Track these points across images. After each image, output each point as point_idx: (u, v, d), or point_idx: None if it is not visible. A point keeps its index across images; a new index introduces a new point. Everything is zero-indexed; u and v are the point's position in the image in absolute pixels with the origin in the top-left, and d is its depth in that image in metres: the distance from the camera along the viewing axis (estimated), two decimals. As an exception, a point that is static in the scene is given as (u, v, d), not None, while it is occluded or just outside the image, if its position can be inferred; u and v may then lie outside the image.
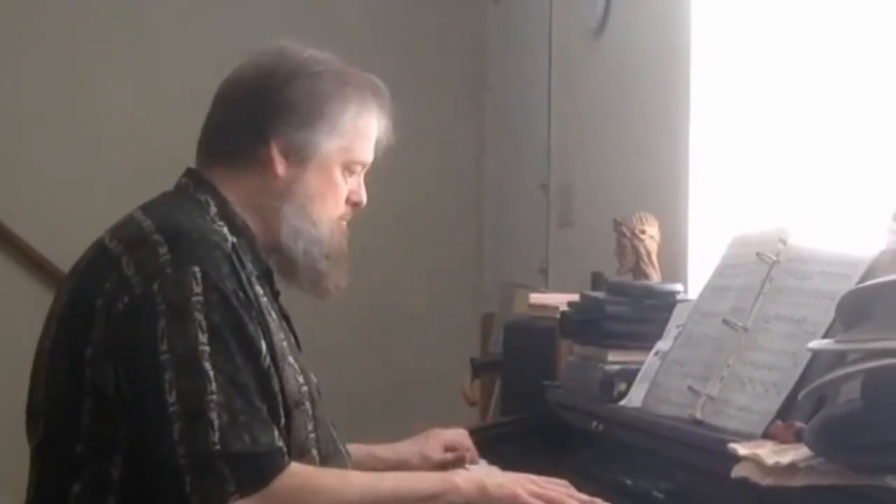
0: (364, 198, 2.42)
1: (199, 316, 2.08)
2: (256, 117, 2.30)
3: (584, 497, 2.26)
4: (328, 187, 2.35)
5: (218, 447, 2.03)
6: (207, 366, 2.06)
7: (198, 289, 2.09)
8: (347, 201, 2.40)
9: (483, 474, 2.36)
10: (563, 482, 2.29)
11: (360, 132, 2.36)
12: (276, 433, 2.12)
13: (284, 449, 2.12)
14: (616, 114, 4.23)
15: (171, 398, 2.04)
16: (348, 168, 2.37)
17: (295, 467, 2.11)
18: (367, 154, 2.39)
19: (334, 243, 2.38)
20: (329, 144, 2.32)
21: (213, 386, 2.05)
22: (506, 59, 5.63)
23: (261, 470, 2.06)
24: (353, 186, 2.39)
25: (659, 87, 3.84)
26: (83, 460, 2.14)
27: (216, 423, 2.04)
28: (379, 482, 2.23)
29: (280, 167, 2.30)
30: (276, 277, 2.38)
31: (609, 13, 4.26)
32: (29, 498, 2.25)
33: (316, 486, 2.14)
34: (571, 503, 2.23)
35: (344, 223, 2.42)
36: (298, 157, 2.31)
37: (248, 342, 2.12)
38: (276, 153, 2.30)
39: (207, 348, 2.07)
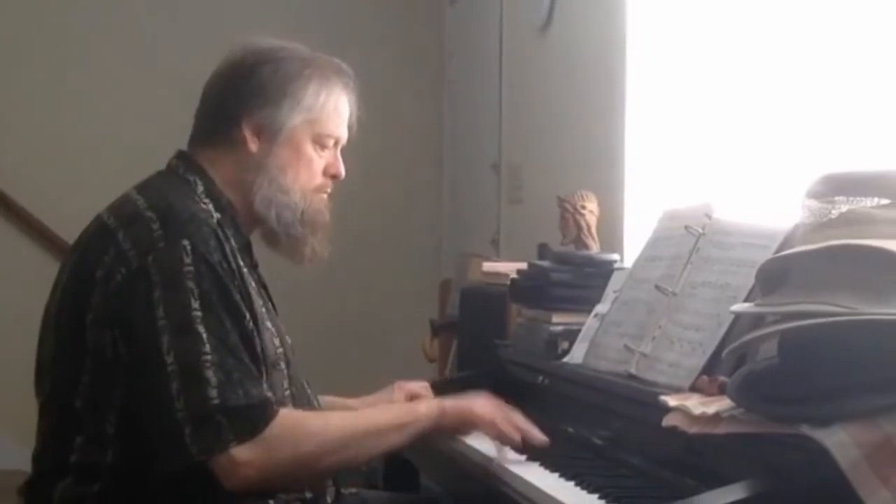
0: (342, 170, 2.38)
1: (190, 284, 2.07)
2: (229, 102, 2.30)
3: (525, 426, 2.31)
4: (298, 160, 2.32)
5: (217, 402, 2.03)
6: (201, 329, 2.05)
7: (188, 260, 2.08)
8: (325, 174, 2.36)
9: (442, 399, 2.38)
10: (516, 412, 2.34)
11: (324, 108, 2.32)
12: (265, 386, 2.11)
13: (273, 399, 2.12)
14: (560, 102, 4.22)
15: (170, 358, 2.03)
16: (319, 142, 2.34)
17: (284, 414, 2.11)
18: (335, 128, 2.35)
19: (311, 212, 2.35)
20: (294, 120, 2.30)
21: (207, 347, 2.04)
22: (462, 53, 5.62)
23: (255, 419, 2.06)
24: (329, 160, 2.36)
25: (598, 77, 3.84)
26: (83, 416, 2.13)
27: (213, 380, 2.03)
28: (355, 420, 2.25)
29: (253, 145, 2.29)
30: (256, 249, 2.37)
31: (553, 12, 4.26)
32: (38, 447, 2.24)
33: (303, 429, 2.14)
34: (514, 435, 2.29)
35: (324, 196, 2.38)
36: (268, 133, 2.29)
37: (233, 307, 2.11)
38: (248, 133, 2.29)
39: (199, 313, 2.06)
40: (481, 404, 2.32)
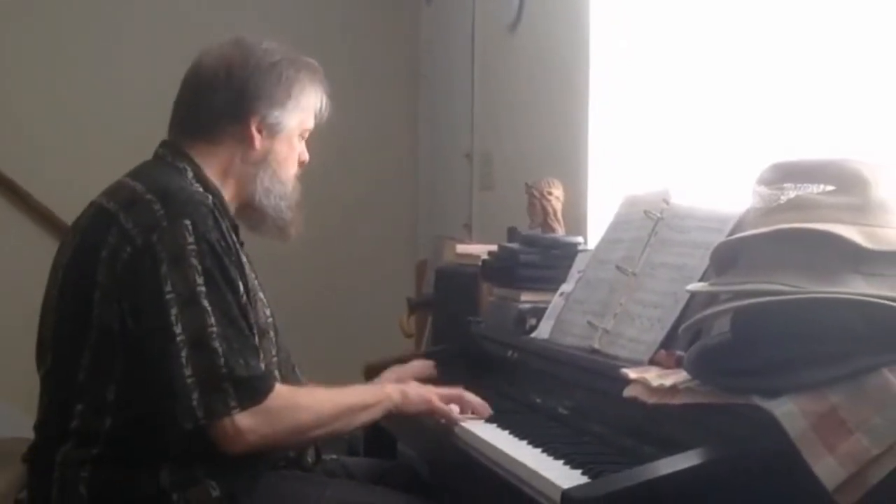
0: (307, 156, 2.48)
1: (194, 261, 2.08)
2: (234, 102, 2.33)
3: (478, 399, 2.40)
4: (291, 153, 2.41)
5: (224, 370, 2.05)
6: (206, 303, 2.07)
7: (190, 239, 2.09)
8: (298, 161, 2.45)
9: (406, 385, 2.43)
10: (459, 388, 2.43)
11: (309, 106, 2.42)
12: (261, 357, 2.13)
13: (270, 372, 2.15)
14: (528, 95, 4.22)
15: (178, 329, 2.05)
16: (302, 136, 2.43)
17: (279, 387, 2.14)
18: (312, 123, 2.45)
19: (293, 197, 2.42)
20: (293, 120, 2.38)
21: (212, 319, 2.06)
22: (437, 50, 5.60)
23: (257, 390, 2.08)
24: (300, 149, 2.45)
25: (563, 72, 3.84)
26: (84, 386, 2.13)
27: (220, 350, 2.05)
28: (336, 396, 2.28)
29: (257, 142, 2.34)
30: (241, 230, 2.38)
31: (522, 12, 4.26)
32: (40, 417, 2.25)
33: (296, 402, 2.17)
34: (468, 396, 2.40)
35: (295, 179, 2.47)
36: (271, 132, 2.36)
37: (231, 282, 2.13)
38: (254, 131, 2.34)
39: (203, 288, 2.07)
40: (440, 397, 2.38)
